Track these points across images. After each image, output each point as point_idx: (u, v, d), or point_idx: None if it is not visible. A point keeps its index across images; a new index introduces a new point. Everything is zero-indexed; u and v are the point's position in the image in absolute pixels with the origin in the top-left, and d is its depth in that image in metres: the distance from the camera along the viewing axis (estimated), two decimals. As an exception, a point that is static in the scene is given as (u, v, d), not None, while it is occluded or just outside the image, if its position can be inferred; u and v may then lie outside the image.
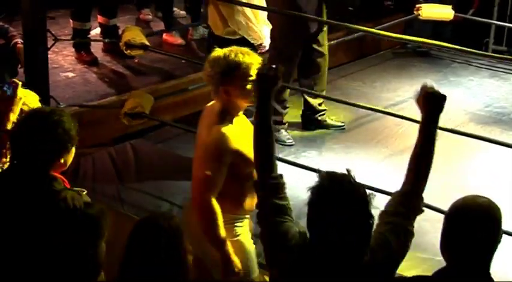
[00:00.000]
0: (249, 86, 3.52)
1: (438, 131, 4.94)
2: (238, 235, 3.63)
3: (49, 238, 2.78)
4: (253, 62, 3.54)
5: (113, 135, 5.93)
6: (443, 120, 5.79)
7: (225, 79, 3.53)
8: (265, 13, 5.42)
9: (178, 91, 6.30)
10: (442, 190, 5.06)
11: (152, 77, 6.52)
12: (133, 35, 5.55)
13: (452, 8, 6.47)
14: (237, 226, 3.63)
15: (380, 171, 5.30)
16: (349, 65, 7.66)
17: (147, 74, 6.59)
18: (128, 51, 5.60)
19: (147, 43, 5.58)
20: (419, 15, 6.41)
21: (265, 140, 2.99)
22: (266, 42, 5.42)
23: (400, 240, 2.76)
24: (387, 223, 2.79)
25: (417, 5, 6.49)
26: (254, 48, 5.35)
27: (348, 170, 2.66)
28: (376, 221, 2.76)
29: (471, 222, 2.60)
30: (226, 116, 3.59)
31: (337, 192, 2.60)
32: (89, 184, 5.34)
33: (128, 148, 5.84)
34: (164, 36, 7.22)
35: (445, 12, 6.45)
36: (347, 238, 2.57)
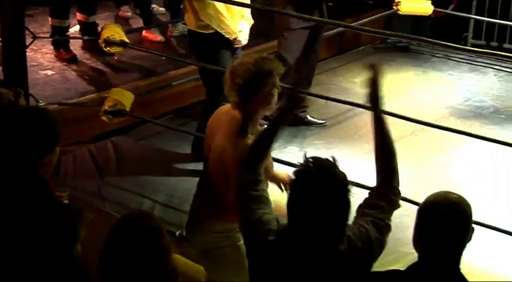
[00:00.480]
0: (276, 92, 3.54)
1: (420, 125, 4.99)
2: (239, 242, 3.59)
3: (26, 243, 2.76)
4: (277, 66, 3.57)
5: (93, 133, 5.90)
6: (424, 114, 5.86)
7: (257, 87, 3.50)
8: (247, 9, 5.38)
9: (159, 88, 6.28)
10: (424, 184, 5.09)
11: (132, 74, 6.49)
12: (113, 32, 5.52)
13: (432, 3, 6.48)
14: (238, 234, 3.61)
15: (362, 166, 5.30)
16: (329, 60, 7.66)
17: (127, 71, 6.56)
18: (107, 48, 5.57)
19: (127, 40, 5.55)
20: (398, 10, 6.42)
21: (267, 144, 3.04)
22: (241, 37, 5.36)
23: (381, 233, 2.81)
24: (367, 215, 2.83)
25: (396, 0, 6.50)
26: (230, 42, 5.31)
27: (332, 157, 2.68)
28: (354, 213, 2.81)
29: (441, 218, 2.63)
30: (248, 126, 3.54)
31: (323, 177, 2.62)
32: (70, 182, 5.33)
33: (109, 145, 5.82)
34: (144, 33, 7.19)
35: (424, 7, 6.47)
36: (329, 223, 2.60)
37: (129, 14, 7.70)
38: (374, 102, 2.97)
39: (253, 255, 2.88)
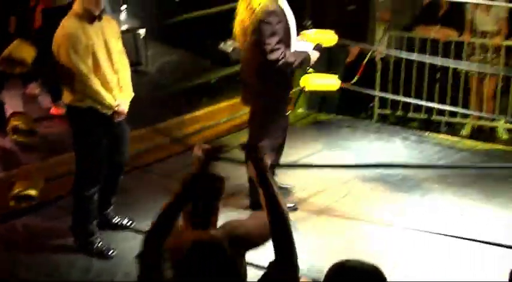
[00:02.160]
0: None
1: (332, 197, 5.03)
2: None
3: None
4: None
5: (1, 212, 5.75)
6: (334, 185, 5.87)
7: None
8: (128, 81, 5.32)
9: (69, 165, 6.18)
10: (336, 254, 5.13)
11: (41, 151, 6.37)
12: (21, 120, 5.43)
13: (339, 77, 6.52)
14: None
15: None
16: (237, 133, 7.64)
17: (36, 149, 6.42)
18: (15, 136, 5.46)
19: (35, 128, 5.43)
20: (304, 87, 6.31)
21: (174, 216, 2.90)
22: (120, 110, 5.19)
23: None
24: None
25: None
26: (106, 117, 5.17)
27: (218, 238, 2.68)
28: None
29: None
30: None
31: (206, 263, 2.63)
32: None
33: (18, 226, 5.68)
34: (52, 109, 7.08)
35: (330, 84, 6.44)
36: None
37: (37, 91, 7.55)
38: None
39: None
